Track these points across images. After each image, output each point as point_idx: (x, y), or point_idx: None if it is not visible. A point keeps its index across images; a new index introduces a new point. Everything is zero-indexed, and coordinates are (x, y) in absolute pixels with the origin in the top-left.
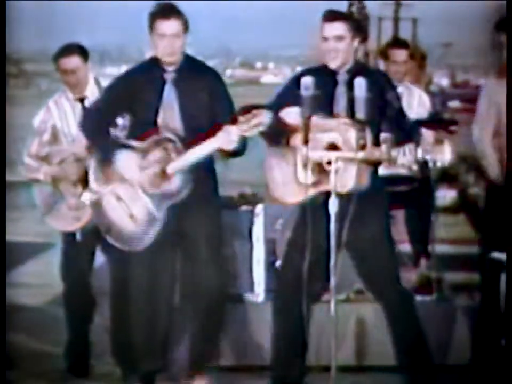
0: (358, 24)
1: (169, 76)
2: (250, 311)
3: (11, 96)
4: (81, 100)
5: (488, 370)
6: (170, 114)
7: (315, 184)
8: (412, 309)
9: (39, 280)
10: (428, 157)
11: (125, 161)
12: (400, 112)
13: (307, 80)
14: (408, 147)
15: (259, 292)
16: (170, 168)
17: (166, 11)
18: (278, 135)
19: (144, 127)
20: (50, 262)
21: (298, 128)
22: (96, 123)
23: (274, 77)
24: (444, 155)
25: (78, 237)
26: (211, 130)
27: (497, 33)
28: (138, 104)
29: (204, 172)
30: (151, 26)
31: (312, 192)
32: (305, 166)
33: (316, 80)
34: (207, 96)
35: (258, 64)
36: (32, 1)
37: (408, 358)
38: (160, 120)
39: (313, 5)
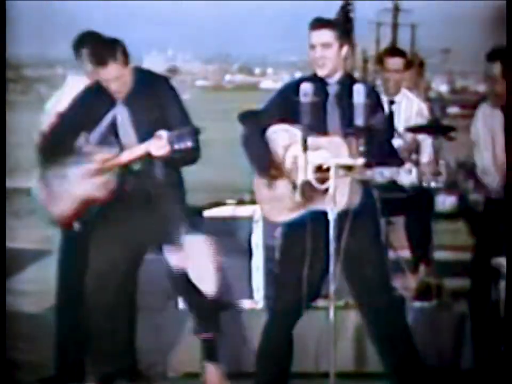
0: (346, 31)
1: (119, 96)
2: (249, 318)
3: (10, 101)
4: None
5: (487, 377)
6: (125, 133)
7: (304, 203)
8: (402, 315)
9: (39, 287)
10: (423, 179)
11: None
12: (388, 132)
13: (306, 87)
14: (404, 169)
15: (258, 299)
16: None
17: (101, 58)
18: (264, 168)
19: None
20: (50, 269)
21: (283, 159)
22: (54, 147)
23: (273, 83)
24: (440, 177)
25: (76, 227)
26: None
27: (489, 64)
28: (90, 125)
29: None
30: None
31: (301, 211)
32: (294, 186)
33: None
34: (159, 108)
35: (257, 70)
36: (32, 7)
37: (400, 366)
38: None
39: (312, 11)
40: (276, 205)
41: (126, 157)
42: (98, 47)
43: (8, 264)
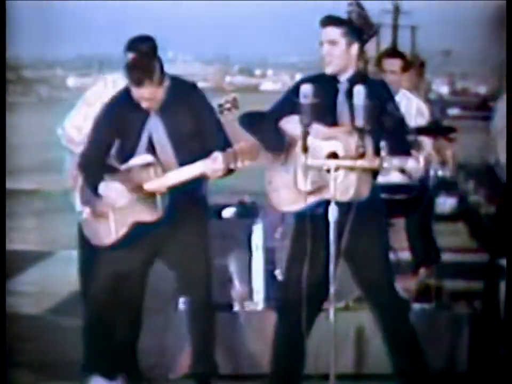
0: (358, 29)
1: (151, 107)
2: (249, 320)
3: (10, 103)
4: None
5: (487, 379)
6: (161, 145)
7: (314, 192)
8: (407, 316)
9: (39, 289)
10: (430, 167)
11: (112, 190)
12: (401, 124)
13: (306, 88)
14: (412, 157)
15: (258, 300)
16: (148, 186)
17: (138, 78)
18: (277, 143)
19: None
20: (49, 271)
21: (298, 138)
22: (93, 167)
23: (273, 84)
24: (446, 166)
25: None
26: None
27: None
28: (124, 138)
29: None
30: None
31: (311, 200)
32: (305, 173)
33: (317, 88)
34: (192, 120)
35: (257, 71)
36: (32, 8)
37: (405, 366)
38: (139, 150)
39: (313, 12)
40: (287, 194)
41: (176, 178)
42: (137, 65)
43: (8, 265)
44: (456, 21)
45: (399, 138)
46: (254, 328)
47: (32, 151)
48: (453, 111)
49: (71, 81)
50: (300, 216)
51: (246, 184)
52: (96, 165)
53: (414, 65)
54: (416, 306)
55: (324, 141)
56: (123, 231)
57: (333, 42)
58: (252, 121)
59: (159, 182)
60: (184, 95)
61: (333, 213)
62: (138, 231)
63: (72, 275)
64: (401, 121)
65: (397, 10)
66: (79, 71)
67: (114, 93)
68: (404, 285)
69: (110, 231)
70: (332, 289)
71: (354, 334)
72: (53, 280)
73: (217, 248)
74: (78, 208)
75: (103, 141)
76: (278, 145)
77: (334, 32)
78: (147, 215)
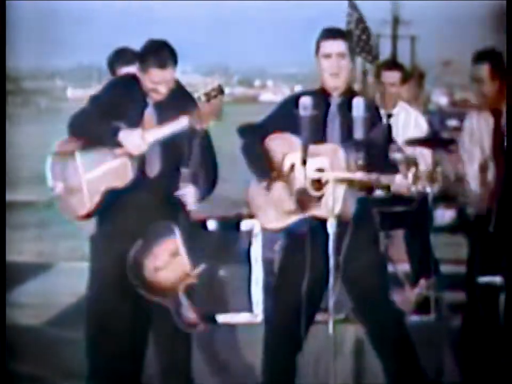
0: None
1: (151, 100)
2: (249, 332)
3: (9, 114)
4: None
5: None
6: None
7: (298, 210)
8: (403, 327)
9: (39, 300)
10: (418, 183)
11: (134, 137)
12: (388, 141)
13: (306, 100)
14: (399, 174)
15: (257, 313)
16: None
17: (163, 60)
18: (263, 170)
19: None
20: (49, 282)
21: (284, 157)
22: (89, 120)
23: (273, 95)
24: (435, 183)
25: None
26: None
27: (477, 66)
28: (120, 120)
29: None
30: (143, 67)
31: (295, 218)
32: (290, 192)
33: (314, 101)
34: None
35: (257, 82)
36: (31, 19)
37: (400, 378)
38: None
39: (312, 23)
40: (271, 212)
41: (154, 136)
42: (165, 46)
43: (8, 277)
44: (456, 32)
45: (385, 155)
46: (255, 340)
47: (31, 162)
48: (452, 122)
49: (71, 92)
50: (288, 233)
51: (244, 196)
52: (98, 121)
53: (413, 76)
54: (415, 318)
55: (311, 158)
56: (97, 199)
57: (342, 55)
58: (247, 136)
59: (138, 142)
60: (183, 100)
61: (332, 226)
62: (111, 197)
63: (72, 287)
64: (389, 137)
65: (396, 21)
66: (78, 82)
67: (118, 78)
68: (403, 297)
69: (83, 202)
70: (331, 301)
71: (353, 345)
72: (53, 291)
73: (216, 259)
74: (50, 183)
75: (105, 104)
76: (264, 173)
77: (343, 45)
78: (118, 181)
